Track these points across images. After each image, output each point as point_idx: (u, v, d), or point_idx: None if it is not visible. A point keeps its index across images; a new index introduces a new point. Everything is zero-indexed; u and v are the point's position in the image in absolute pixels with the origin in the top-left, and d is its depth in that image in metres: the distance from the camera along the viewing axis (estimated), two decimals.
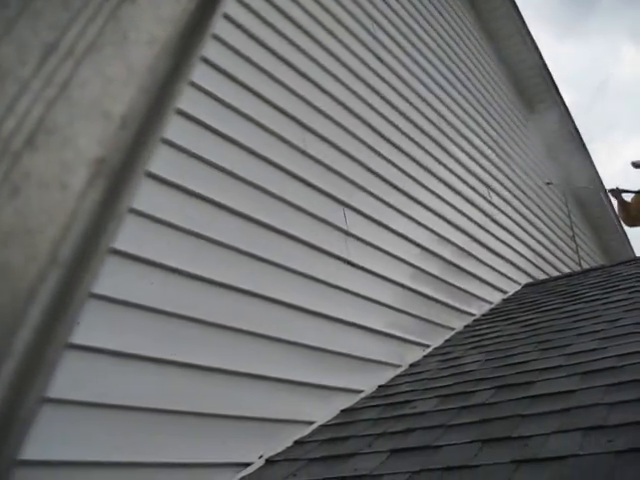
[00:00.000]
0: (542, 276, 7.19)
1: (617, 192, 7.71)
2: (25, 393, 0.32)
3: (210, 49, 3.18)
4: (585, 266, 8.60)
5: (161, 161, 2.73)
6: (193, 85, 3.05)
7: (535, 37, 8.80)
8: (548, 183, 8.41)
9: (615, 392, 2.52)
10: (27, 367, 0.31)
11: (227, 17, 3.40)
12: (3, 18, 0.36)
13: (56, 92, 0.36)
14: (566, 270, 8.01)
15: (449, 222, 5.43)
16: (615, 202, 7.99)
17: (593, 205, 10.42)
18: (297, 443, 3.15)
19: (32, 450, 0.35)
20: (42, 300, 0.32)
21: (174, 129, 2.85)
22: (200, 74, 3.10)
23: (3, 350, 0.31)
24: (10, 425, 0.31)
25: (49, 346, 0.33)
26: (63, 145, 0.35)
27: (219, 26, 3.26)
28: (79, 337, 2.06)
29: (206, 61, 3.19)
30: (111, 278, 2.40)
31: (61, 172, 0.35)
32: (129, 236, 2.52)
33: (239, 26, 3.53)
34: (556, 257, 8.11)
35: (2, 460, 0.31)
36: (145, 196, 2.62)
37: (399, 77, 5.38)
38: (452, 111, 6.31)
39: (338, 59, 4.49)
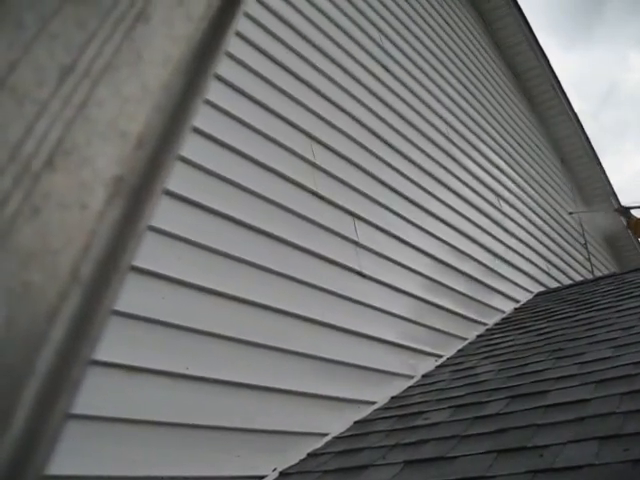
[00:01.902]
0: (554, 284, 7.16)
1: (623, 210, 7.69)
2: (50, 411, 0.32)
3: (223, 66, 3.21)
4: (597, 274, 8.56)
5: (173, 177, 2.74)
6: (207, 102, 3.07)
7: (542, 45, 8.82)
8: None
9: (630, 400, 2.50)
10: (51, 386, 0.32)
11: (238, 34, 3.43)
12: (20, 41, 0.36)
13: (74, 113, 0.36)
14: (578, 278, 7.98)
15: (460, 232, 5.43)
16: (624, 220, 7.97)
17: (605, 213, 10.38)
18: (311, 455, 3.14)
19: (56, 466, 0.35)
20: (64, 319, 0.33)
21: (186, 145, 2.87)
22: (213, 91, 3.12)
23: (27, 369, 0.31)
24: (37, 442, 0.32)
25: (72, 365, 0.33)
26: (82, 165, 0.36)
27: (231, 43, 3.28)
28: (95, 353, 2.07)
29: (219, 78, 3.22)
30: (124, 293, 2.41)
31: (80, 192, 0.35)
32: (142, 251, 2.52)
33: (250, 42, 3.56)
34: (568, 265, 8.08)
35: (30, 476, 0.31)
36: (158, 212, 2.63)
37: (408, 88, 5.39)
38: (461, 121, 6.31)
39: (346, 71, 4.51)
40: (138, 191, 0.38)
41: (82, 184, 0.36)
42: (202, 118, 3.00)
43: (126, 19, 0.40)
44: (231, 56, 3.34)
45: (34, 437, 0.31)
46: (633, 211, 7.73)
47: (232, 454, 2.77)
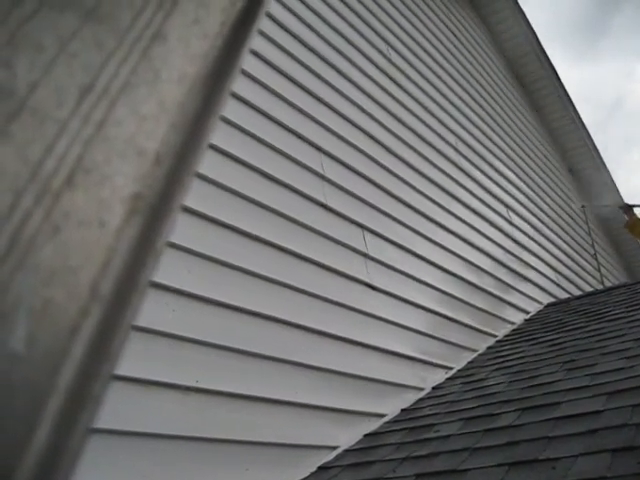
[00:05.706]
0: (564, 295, 7.13)
1: (627, 207, 7.71)
2: (72, 427, 0.33)
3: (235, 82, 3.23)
4: (608, 284, 8.52)
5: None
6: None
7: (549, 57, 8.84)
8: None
9: None
10: (72, 402, 0.32)
11: (250, 50, 3.45)
12: (40, 61, 0.37)
13: (93, 131, 0.37)
14: (588, 289, 7.95)
15: (470, 244, 5.42)
16: (626, 217, 7.98)
17: (614, 222, 10.35)
18: (321, 468, 3.13)
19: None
20: (85, 336, 0.33)
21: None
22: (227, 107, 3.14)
23: (48, 386, 0.31)
24: (59, 457, 0.32)
25: (93, 381, 0.34)
26: (101, 183, 0.36)
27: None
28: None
29: (232, 95, 3.24)
30: None
31: (99, 210, 0.36)
32: None
33: (261, 58, 3.59)
34: (578, 276, 8.05)
35: None
36: None
37: (416, 100, 5.40)
38: (470, 133, 6.31)
39: (355, 84, 4.52)
40: (156, 208, 0.38)
41: (101, 202, 0.36)
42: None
43: (143, 39, 0.41)
44: (242, 71, 3.36)
45: (56, 453, 0.32)
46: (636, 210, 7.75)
47: (241, 467, 2.76)
